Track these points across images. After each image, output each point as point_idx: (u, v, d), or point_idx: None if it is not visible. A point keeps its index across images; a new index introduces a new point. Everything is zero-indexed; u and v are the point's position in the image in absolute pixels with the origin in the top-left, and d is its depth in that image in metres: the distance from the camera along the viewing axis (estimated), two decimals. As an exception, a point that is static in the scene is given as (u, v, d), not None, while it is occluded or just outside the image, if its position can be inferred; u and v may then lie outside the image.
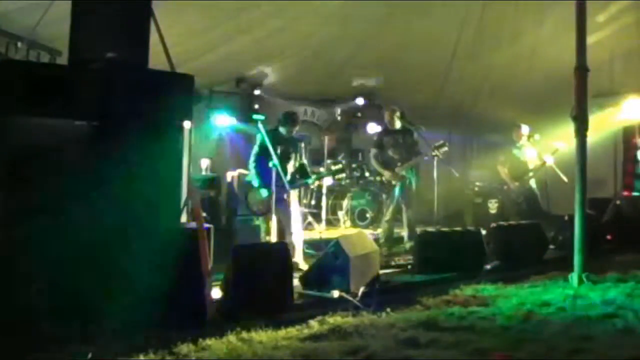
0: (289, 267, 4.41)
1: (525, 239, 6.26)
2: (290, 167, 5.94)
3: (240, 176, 7.37)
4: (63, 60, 5.34)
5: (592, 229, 5.66)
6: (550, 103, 7.74)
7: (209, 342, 3.40)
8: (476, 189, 9.32)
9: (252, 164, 5.83)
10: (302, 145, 6.30)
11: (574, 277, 5.16)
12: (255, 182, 5.78)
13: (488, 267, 5.80)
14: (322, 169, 8.18)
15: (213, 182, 7.61)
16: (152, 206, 3.65)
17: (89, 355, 3.03)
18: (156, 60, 3.89)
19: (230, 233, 6.69)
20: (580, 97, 5.34)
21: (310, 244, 6.51)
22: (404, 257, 6.41)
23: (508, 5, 7.24)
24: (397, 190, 6.88)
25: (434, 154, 6.67)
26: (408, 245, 6.76)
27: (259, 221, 6.01)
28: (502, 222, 6.64)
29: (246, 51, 7.51)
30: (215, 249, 4.05)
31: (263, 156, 5.66)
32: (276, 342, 3.49)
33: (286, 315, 3.97)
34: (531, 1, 7.20)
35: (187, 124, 3.96)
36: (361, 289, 4.50)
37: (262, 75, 8.54)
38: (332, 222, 8.78)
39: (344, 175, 6.93)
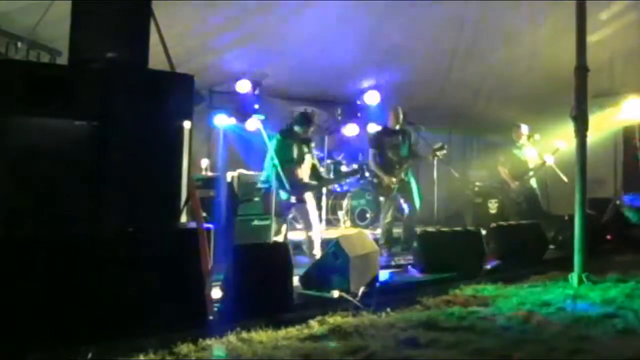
0: (289, 267, 4.41)
1: (525, 239, 6.27)
2: (306, 167, 5.97)
3: (240, 176, 7.36)
4: (63, 60, 5.34)
5: (592, 229, 5.67)
6: (550, 103, 7.73)
7: (209, 342, 3.40)
8: (476, 189, 9.32)
9: (271, 167, 5.76)
10: (313, 145, 6.32)
11: (574, 277, 5.16)
12: (275, 184, 5.75)
13: (488, 267, 5.81)
14: (322, 169, 8.18)
15: (213, 182, 7.60)
16: (152, 206, 3.65)
17: (89, 356, 3.03)
18: (156, 60, 3.88)
19: (230, 233, 6.68)
20: (580, 97, 5.34)
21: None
22: (404, 257, 6.42)
23: (508, 5, 7.24)
24: (397, 194, 6.80)
25: (432, 156, 6.66)
26: (404, 247, 6.76)
27: (259, 222, 6.03)
28: (502, 222, 6.65)
29: (246, 51, 7.51)
30: (215, 249, 4.06)
31: (282, 158, 5.70)
32: (276, 342, 3.48)
33: (286, 315, 3.97)
34: (531, 1, 7.21)
35: (187, 124, 3.95)
36: (361, 289, 4.50)
37: (262, 75, 8.54)
38: (332, 222, 8.78)
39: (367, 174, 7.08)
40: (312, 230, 5.99)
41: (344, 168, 8.85)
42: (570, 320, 3.99)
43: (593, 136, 5.60)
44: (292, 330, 3.71)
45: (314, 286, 4.56)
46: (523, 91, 9.00)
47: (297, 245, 6.34)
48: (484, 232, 6.27)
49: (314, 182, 6.15)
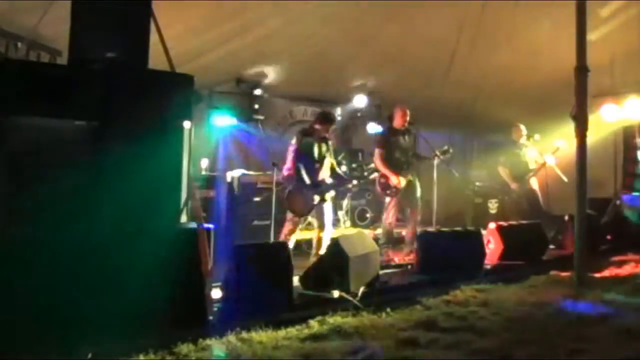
0: (289, 267, 4.41)
1: (525, 239, 6.27)
2: (326, 166, 6.00)
3: (240, 176, 7.36)
4: (63, 60, 5.34)
5: (592, 229, 5.67)
6: (550, 103, 7.73)
7: (209, 342, 3.40)
8: (476, 189, 9.32)
9: (299, 166, 5.80)
10: (331, 144, 6.34)
11: (574, 277, 5.16)
12: (300, 184, 5.79)
13: (488, 266, 5.81)
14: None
15: (213, 182, 7.60)
16: (152, 206, 3.65)
17: (89, 356, 3.03)
18: (156, 60, 3.88)
19: (230, 233, 6.68)
20: (580, 97, 5.34)
21: (310, 243, 6.50)
22: (404, 257, 6.41)
23: (508, 5, 7.23)
24: (403, 193, 6.77)
25: (435, 157, 6.66)
26: (408, 248, 6.74)
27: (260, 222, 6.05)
28: (502, 222, 6.65)
29: (246, 51, 7.51)
30: (215, 249, 4.06)
31: (304, 157, 5.79)
32: (276, 342, 3.49)
33: (286, 315, 3.97)
34: (531, 1, 7.20)
35: (187, 124, 3.95)
36: (361, 289, 4.50)
37: (262, 75, 8.53)
38: (332, 222, 8.76)
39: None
40: (324, 231, 5.98)
41: (344, 168, 8.84)
42: (570, 320, 4.00)
43: (593, 136, 5.60)
44: (292, 330, 3.72)
45: (314, 286, 4.56)
46: (523, 91, 8.99)
47: (297, 245, 6.34)
48: (484, 232, 6.28)
49: (334, 182, 6.16)
